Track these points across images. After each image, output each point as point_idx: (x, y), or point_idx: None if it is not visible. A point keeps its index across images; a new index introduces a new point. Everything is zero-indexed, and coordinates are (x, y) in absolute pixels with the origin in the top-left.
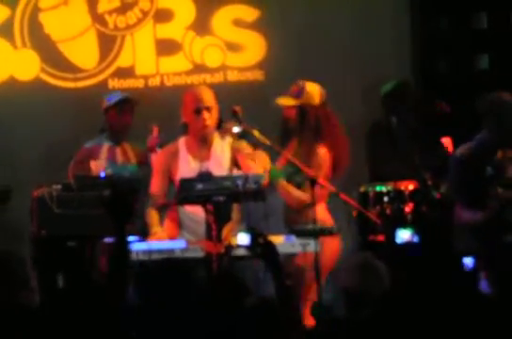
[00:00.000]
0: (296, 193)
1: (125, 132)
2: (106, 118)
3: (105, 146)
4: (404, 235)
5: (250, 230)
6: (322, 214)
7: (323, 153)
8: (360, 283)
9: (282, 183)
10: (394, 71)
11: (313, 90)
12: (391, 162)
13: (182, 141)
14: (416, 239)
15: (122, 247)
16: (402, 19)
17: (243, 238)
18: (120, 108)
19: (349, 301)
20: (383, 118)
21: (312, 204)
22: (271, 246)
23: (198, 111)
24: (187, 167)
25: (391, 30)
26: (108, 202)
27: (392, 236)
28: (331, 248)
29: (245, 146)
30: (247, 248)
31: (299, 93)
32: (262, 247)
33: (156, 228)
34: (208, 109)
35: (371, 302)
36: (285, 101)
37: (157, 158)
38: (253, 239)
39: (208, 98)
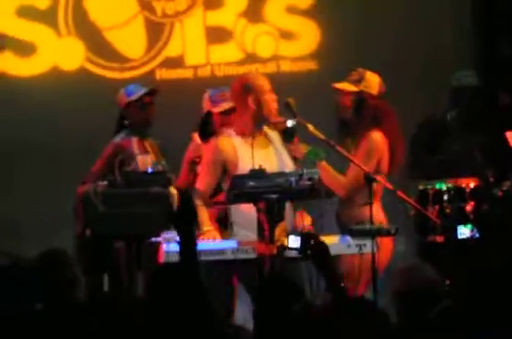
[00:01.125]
0: (338, 177)
1: (149, 126)
2: (128, 113)
3: (134, 140)
4: (465, 231)
5: (301, 232)
6: (376, 212)
7: (378, 138)
8: (408, 286)
9: (323, 163)
10: (454, 60)
11: (374, 80)
12: (446, 158)
13: (231, 132)
14: (477, 235)
15: (192, 249)
16: (462, 5)
17: (293, 241)
18: (142, 102)
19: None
20: (441, 111)
21: (369, 202)
22: (323, 247)
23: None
24: (250, 156)
25: (451, 16)
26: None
27: (452, 236)
28: (386, 249)
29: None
30: (297, 250)
31: (359, 80)
32: (313, 249)
33: (207, 227)
34: (271, 92)
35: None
36: (344, 85)
37: (209, 151)
38: (304, 242)
39: (265, 81)
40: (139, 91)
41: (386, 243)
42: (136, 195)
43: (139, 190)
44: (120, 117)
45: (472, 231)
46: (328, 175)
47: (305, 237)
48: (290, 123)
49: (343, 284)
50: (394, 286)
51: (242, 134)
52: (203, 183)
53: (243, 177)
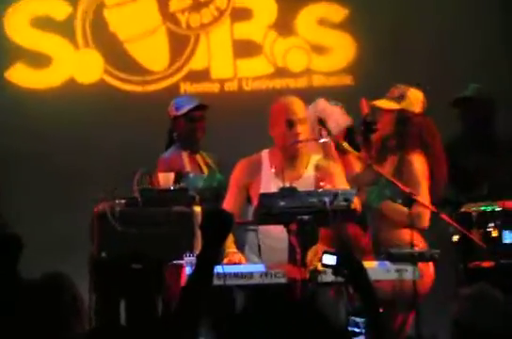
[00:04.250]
0: (403, 209)
1: (197, 141)
2: (175, 126)
3: (185, 155)
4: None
5: (338, 250)
6: (416, 236)
7: (419, 162)
8: (472, 315)
9: (387, 202)
10: (486, 76)
11: (416, 96)
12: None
13: (265, 154)
14: None
15: (208, 273)
16: (492, 20)
17: (328, 258)
18: (191, 116)
19: (459, 335)
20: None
21: (409, 225)
22: (361, 266)
23: (290, 124)
24: (270, 185)
25: (481, 32)
26: (206, 218)
27: (501, 262)
28: (427, 275)
29: (331, 164)
30: (332, 268)
31: (401, 97)
32: (351, 268)
33: (231, 249)
34: (301, 122)
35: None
36: (384, 103)
37: (236, 171)
38: (341, 259)
39: (301, 109)
40: (188, 105)
41: (427, 269)
42: (156, 214)
43: (160, 209)
44: (170, 129)
45: None
46: (396, 213)
47: (341, 254)
48: (323, 140)
49: (381, 310)
50: (455, 317)
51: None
52: (228, 203)
53: (272, 195)
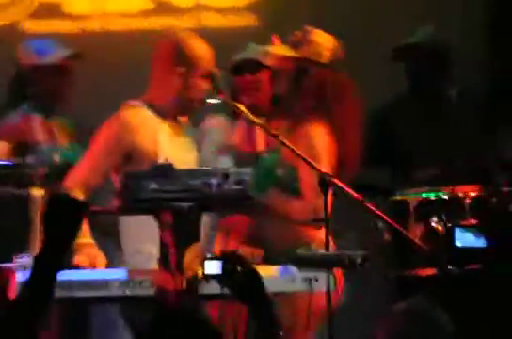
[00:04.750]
0: (297, 206)
1: (62, 100)
2: (32, 78)
3: (36, 119)
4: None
5: (224, 254)
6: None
7: (318, 133)
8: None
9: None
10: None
11: (323, 42)
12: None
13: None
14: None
15: (48, 282)
16: None
17: (211, 266)
18: (59, 67)
19: None
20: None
21: (322, 219)
22: (256, 276)
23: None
24: (169, 144)
25: None
26: (49, 204)
27: (446, 268)
28: (338, 285)
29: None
30: (216, 279)
31: (300, 42)
32: (241, 277)
33: (85, 239)
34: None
35: None
36: (279, 49)
37: (107, 129)
38: (227, 267)
39: (206, 52)
40: (57, 52)
41: (339, 278)
42: None
43: None
44: (18, 83)
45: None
46: (285, 210)
47: (229, 261)
48: (212, 100)
49: (281, 333)
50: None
51: (160, 111)
52: (82, 174)
53: (140, 175)
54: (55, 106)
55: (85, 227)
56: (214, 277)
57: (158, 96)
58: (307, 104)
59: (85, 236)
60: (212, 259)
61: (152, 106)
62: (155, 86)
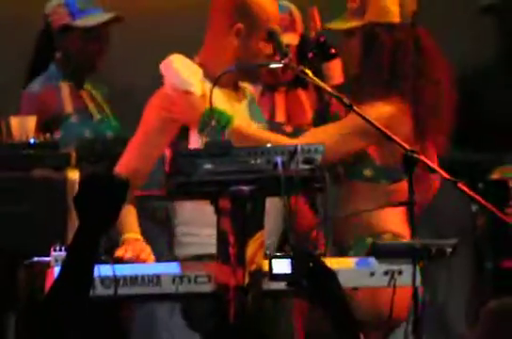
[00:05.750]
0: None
1: (94, 68)
2: (63, 40)
3: (66, 88)
4: None
5: (293, 249)
6: (395, 220)
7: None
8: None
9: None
10: None
11: None
12: None
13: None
14: None
15: (84, 275)
16: None
17: (280, 264)
18: (94, 32)
19: None
20: None
21: (406, 202)
22: (331, 276)
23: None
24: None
25: None
26: (83, 186)
27: None
28: None
29: None
30: (286, 279)
31: (359, 9)
32: (314, 277)
33: (132, 233)
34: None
35: None
36: (339, 24)
37: (150, 108)
38: (298, 266)
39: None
40: (95, 14)
41: None
42: (5, 183)
43: (10, 175)
44: (46, 43)
45: None
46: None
47: (300, 259)
48: (275, 66)
49: (361, 336)
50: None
51: (214, 76)
52: (132, 161)
53: (193, 154)
54: (86, 74)
55: (132, 220)
56: (283, 277)
57: (212, 58)
58: (380, 78)
59: (131, 231)
60: (280, 257)
61: (205, 71)
62: (209, 47)
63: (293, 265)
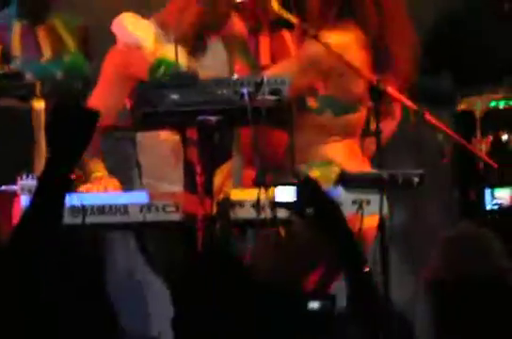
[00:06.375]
0: None
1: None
2: None
3: (16, 28)
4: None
5: (298, 178)
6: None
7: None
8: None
9: None
10: None
11: None
12: None
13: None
14: None
15: (56, 204)
16: None
17: (285, 191)
18: None
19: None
20: None
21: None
22: (336, 204)
23: None
24: None
25: None
26: (54, 115)
27: None
28: None
29: None
30: (290, 207)
31: None
32: (320, 205)
33: (99, 173)
34: None
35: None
36: None
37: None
38: (304, 193)
39: None
40: None
41: None
42: None
43: None
44: None
45: None
46: None
47: (307, 186)
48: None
49: (367, 269)
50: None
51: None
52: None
53: (159, 85)
54: (44, 10)
55: (96, 160)
56: (286, 205)
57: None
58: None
59: (98, 170)
60: (285, 184)
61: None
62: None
63: (298, 193)
